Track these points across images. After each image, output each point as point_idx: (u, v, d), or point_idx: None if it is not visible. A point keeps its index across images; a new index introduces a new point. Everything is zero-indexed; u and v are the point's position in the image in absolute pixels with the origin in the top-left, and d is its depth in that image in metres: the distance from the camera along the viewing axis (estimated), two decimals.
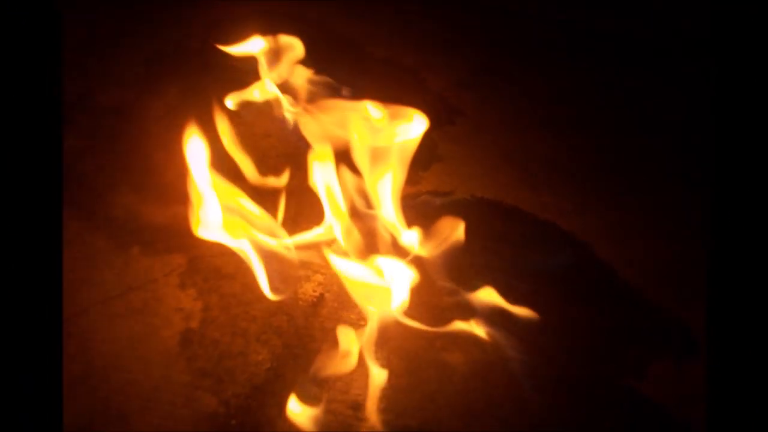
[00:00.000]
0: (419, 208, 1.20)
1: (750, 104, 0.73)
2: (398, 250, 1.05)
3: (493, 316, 0.96)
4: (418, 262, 1.01)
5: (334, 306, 1.00)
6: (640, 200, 1.30)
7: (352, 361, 0.89)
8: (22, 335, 0.66)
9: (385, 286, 0.94)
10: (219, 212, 0.99)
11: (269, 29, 1.45)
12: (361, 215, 1.08)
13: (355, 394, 0.86)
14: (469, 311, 0.97)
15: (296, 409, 0.83)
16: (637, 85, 1.69)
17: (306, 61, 1.43)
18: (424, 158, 1.35)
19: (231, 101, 1.39)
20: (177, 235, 1.09)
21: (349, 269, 0.95)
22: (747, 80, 0.73)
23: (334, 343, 0.92)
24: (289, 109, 1.39)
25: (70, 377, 0.85)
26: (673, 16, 1.94)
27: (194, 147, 1.02)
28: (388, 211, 1.05)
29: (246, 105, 1.41)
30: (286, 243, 1.03)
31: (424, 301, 0.99)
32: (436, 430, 0.82)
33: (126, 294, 1.00)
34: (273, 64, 1.40)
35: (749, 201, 0.72)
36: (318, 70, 1.46)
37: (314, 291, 1.03)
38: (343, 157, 1.06)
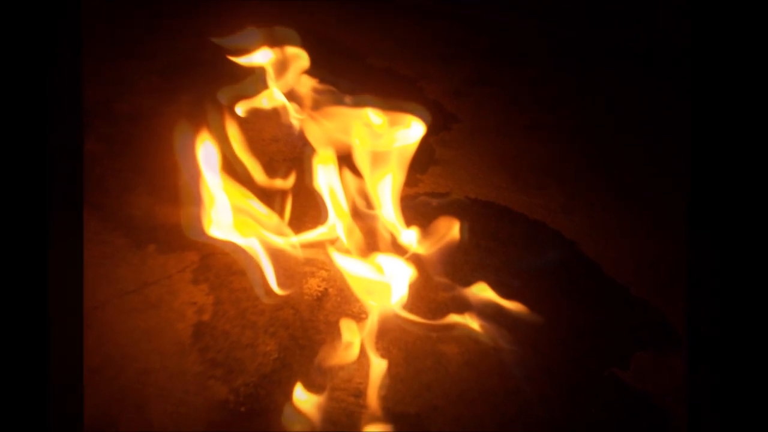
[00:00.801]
0: (417, 209, 1.24)
1: (728, 107, 0.75)
2: (397, 248, 1.09)
3: (486, 310, 0.99)
4: (416, 260, 1.05)
5: (337, 300, 1.04)
6: (623, 201, 1.33)
7: (354, 352, 0.92)
8: (45, 328, 0.70)
9: (385, 282, 0.97)
10: (229, 212, 1.02)
11: (277, 41, 1.49)
12: (362, 215, 1.12)
13: (357, 382, 0.89)
14: (464, 305, 1.00)
15: (302, 397, 0.86)
16: (620, 91, 1.73)
17: (311, 72, 1.47)
18: (421, 162, 1.39)
19: (241, 108, 1.43)
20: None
21: (352, 266, 0.99)
22: (726, 84, 0.76)
23: (338, 335, 0.95)
24: (295, 116, 1.43)
25: (89, 367, 0.88)
26: (654, 23, 1.98)
27: (206, 151, 1.05)
28: (388, 211, 1.09)
29: (255, 112, 1.45)
30: (292, 241, 1.07)
31: (421, 295, 1.04)
32: (432, 416, 0.85)
33: (142, 289, 1.04)
34: (280, 74, 1.44)
35: (728, 201, 0.76)
36: (322, 80, 1.50)
37: (318, 286, 1.07)
38: (346, 160, 1.10)
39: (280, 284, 1.02)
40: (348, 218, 1.08)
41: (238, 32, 1.45)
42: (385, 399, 0.87)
